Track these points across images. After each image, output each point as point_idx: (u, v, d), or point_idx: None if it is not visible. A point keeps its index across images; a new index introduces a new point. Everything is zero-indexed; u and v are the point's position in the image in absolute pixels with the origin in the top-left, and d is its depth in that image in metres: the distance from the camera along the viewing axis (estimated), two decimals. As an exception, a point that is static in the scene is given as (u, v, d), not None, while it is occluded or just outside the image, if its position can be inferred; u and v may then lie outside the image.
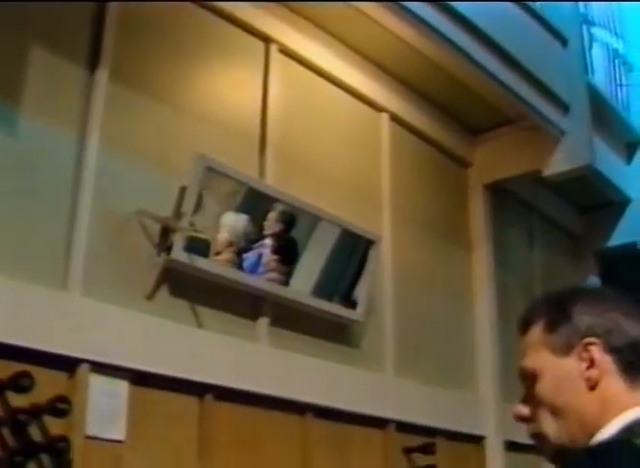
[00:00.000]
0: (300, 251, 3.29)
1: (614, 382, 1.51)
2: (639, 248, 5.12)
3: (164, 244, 2.81)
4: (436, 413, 3.78)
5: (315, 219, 3.37)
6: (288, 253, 3.21)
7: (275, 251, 3.14)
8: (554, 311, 1.60)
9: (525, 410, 1.64)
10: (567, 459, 1.44)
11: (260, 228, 3.14)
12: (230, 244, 3.00)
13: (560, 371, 1.54)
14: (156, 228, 2.83)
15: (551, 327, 1.58)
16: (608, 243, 5.32)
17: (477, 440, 4.10)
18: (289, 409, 3.12)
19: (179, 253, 2.79)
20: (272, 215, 3.18)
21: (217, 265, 2.93)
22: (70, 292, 2.52)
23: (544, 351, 1.57)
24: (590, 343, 1.52)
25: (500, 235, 4.66)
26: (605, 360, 1.51)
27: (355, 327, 3.53)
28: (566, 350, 1.54)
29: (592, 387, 1.51)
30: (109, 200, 2.72)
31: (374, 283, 3.59)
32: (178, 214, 2.82)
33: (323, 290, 3.35)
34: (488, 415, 4.13)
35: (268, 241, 3.14)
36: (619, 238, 5.29)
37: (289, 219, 3.24)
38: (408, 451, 3.56)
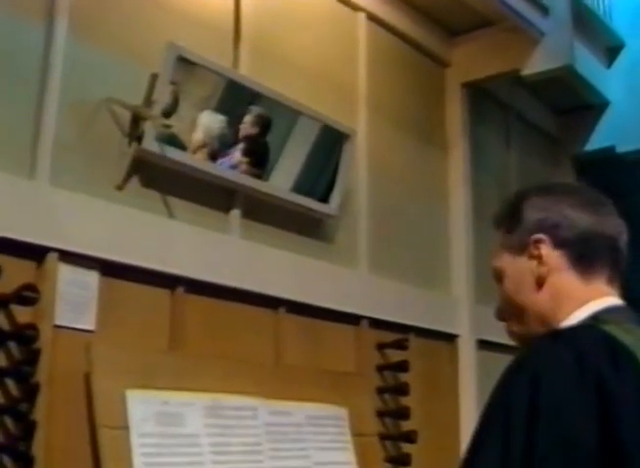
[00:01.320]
0: (278, 150, 3.22)
1: (565, 277, 1.58)
2: (617, 152, 5.13)
3: (135, 133, 2.75)
4: (410, 311, 3.80)
5: (294, 115, 3.30)
6: (258, 157, 3.15)
7: (245, 153, 3.08)
8: (510, 212, 1.69)
9: (500, 312, 1.72)
10: (533, 341, 1.47)
11: (237, 132, 3.08)
12: (204, 144, 2.95)
13: (516, 271, 1.64)
14: (127, 118, 2.77)
15: (508, 228, 1.68)
16: (585, 147, 5.33)
17: (450, 338, 4.12)
18: (261, 302, 3.11)
19: (150, 144, 2.74)
20: (248, 119, 3.11)
21: (189, 156, 2.89)
22: (38, 180, 2.47)
23: (505, 252, 1.67)
24: (538, 240, 1.60)
25: (476, 135, 4.63)
26: (553, 255, 1.59)
27: (329, 222, 3.51)
28: (520, 249, 1.63)
29: (541, 284, 1.58)
30: (78, 88, 2.65)
31: (348, 178, 3.55)
32: (148, 101, 2.76)
33: (302, 188, 3.31)
34: (462, 314, 4.15)
35: (241, 144, 3.09)
36: (596, 142, 5.30)
37: (265, 123, 3.17)
38: (381, 347, 3.59)
